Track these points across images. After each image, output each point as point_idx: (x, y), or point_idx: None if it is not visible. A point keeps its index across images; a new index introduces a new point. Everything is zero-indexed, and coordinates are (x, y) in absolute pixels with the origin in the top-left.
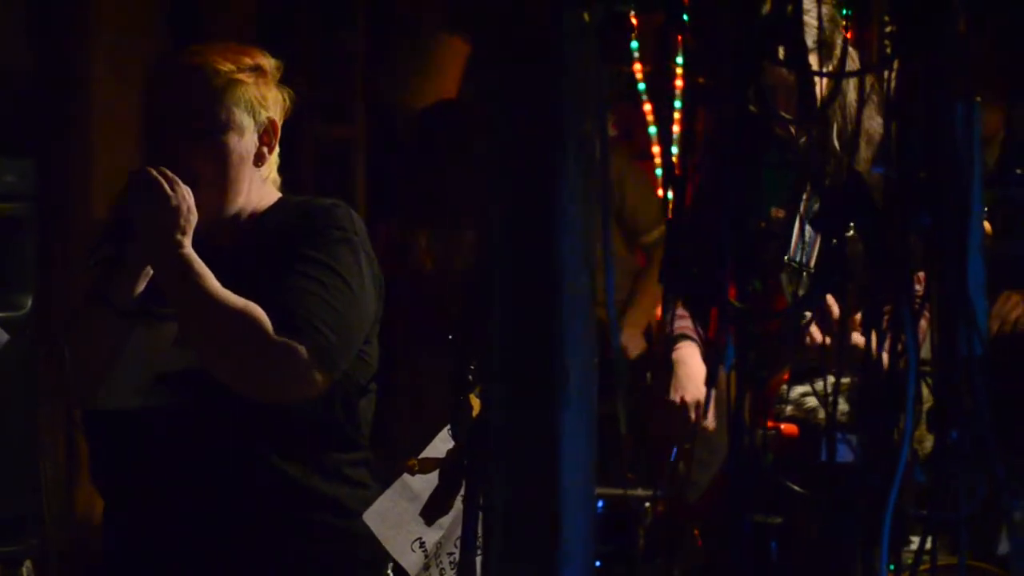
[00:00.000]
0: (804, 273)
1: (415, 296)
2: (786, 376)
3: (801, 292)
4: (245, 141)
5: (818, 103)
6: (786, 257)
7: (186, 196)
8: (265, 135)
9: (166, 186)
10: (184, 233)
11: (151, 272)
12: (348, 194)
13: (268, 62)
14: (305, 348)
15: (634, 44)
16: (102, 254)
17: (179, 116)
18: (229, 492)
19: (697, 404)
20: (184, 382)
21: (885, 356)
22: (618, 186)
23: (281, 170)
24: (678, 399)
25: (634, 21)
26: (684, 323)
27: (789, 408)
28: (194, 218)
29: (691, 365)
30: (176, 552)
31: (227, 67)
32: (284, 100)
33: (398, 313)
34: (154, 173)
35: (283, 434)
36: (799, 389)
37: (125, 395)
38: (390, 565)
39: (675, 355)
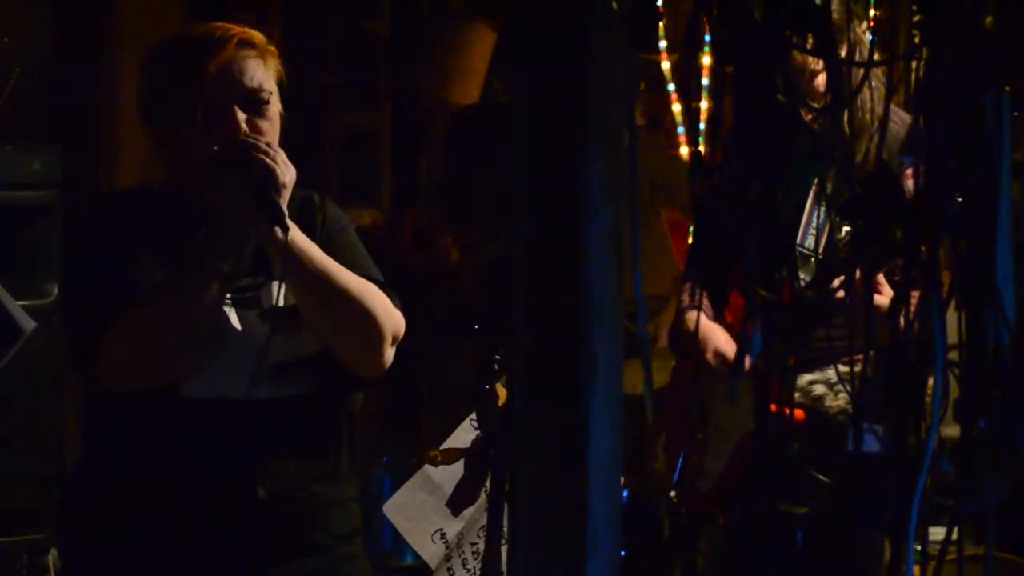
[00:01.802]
0: (812, 259)
1: (440, 286)
2: (792, 363)
3: (807, 279)
4: (278, 113)
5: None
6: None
7: (291, 170)
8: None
9: (281, 155)
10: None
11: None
12: (373, 182)
13: (262, 38)
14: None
15: (662, 43)
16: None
17: (239, 87)
18: (312, 476)
19: (722, 357)
20: (291, 373)
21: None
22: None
23: (305, 157)
24: (711, 354)
25: (661, 9)
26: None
27: (796, 395)
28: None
29: (712, 329)
30: (239, 538)
31: (262, 38)
32: (283, 76)
33: (423, 303)
34: (273, 145)
35: (347, 422)
36: (807, 376)
37: (228, 383)
38: None
39: (700, 331)
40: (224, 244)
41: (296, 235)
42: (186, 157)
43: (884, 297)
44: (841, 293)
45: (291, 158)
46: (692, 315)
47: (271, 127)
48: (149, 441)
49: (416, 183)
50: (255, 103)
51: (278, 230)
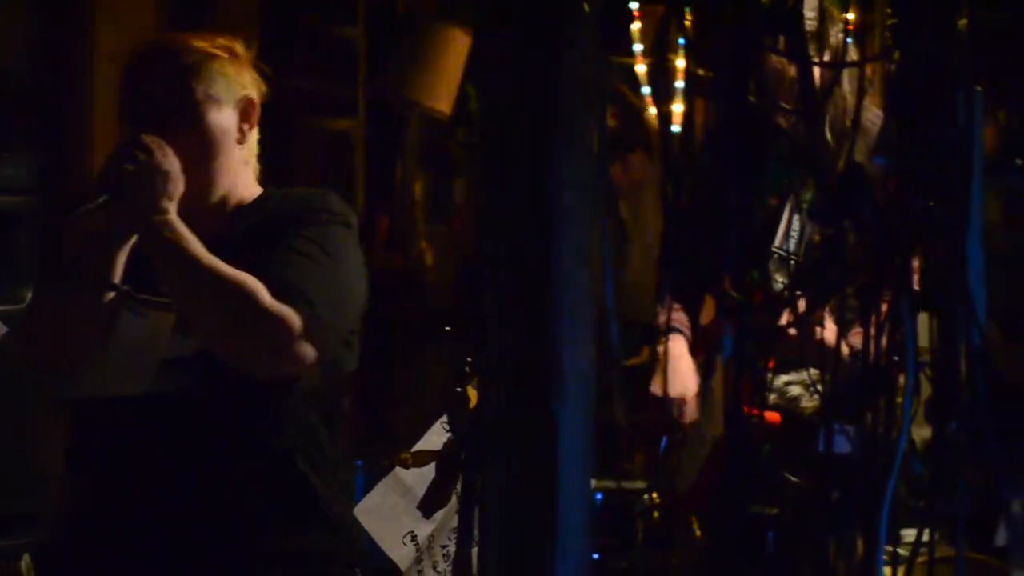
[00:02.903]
0: (792, 262)
1: (414, 288)
2: (770, 364)
3: (786, 282)
4: (225, 115)
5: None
6: (774, 246)
7: (174, 162)
8: (244, 112)
9: (156, 150)
10: (171, 199)
11: (125, 255)
12: (348, 187)
13: (242, 48)
14: (299, 319)
15: (637, 47)
16: (84, 212)
17: (157, 92)
18: (233, 478)
19: (681, 400)
20: (190, 367)
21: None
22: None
23: (279, 162)
24: (661, 393)
25: (635, 12)
26: (677, 315)
27: (772, 396)
28: (181, 186)
29: (679, 361)
30: (175, 538)
31: (200, 45)
32: (261, 83)
33: (397, 305)
34: (143, 137)
35: (285, 420)
36: (783, 377)
37: (125, 381)
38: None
39: (666, 348)
40: (118, 232)
41: (173, 229)
42: None
43: (828, 332)
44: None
45: (268, 163)
46: (674, 341)
47: (189, 132)
48: (76, 442)
49: (391, 188)
50: (170, 108)
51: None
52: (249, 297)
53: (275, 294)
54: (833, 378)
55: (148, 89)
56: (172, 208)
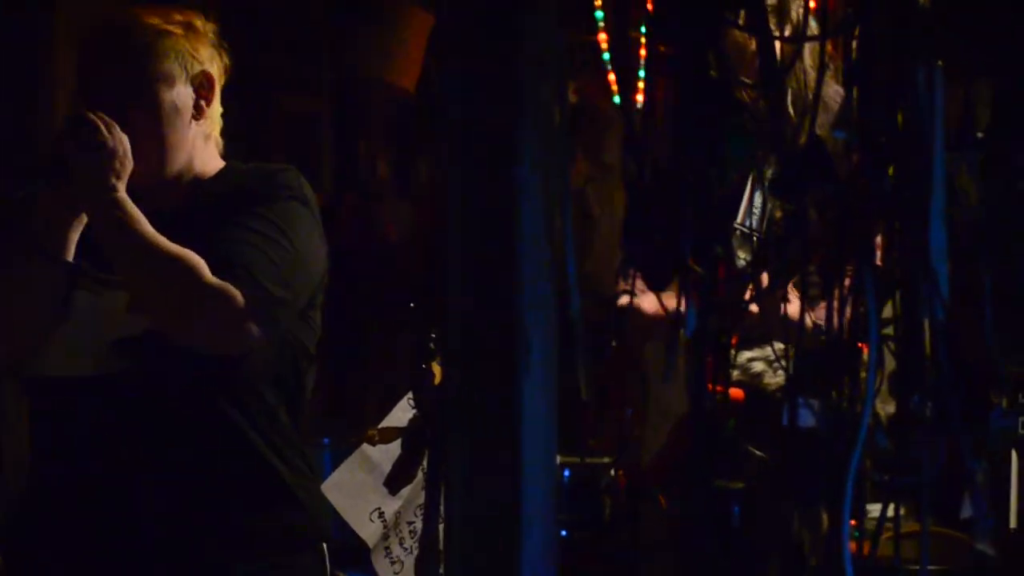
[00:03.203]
0: (754, 238)
1: (379, 266)
2: (734, 341)
3: (748, 258)
4: (178, 92)
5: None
6: (736, 222)
7: (122, 140)
8: (201, 88)
9: (103, 128)
10: (119, 177)
11: (78, 233)
12: (313, 165)
13: (202, 22)
14: (241, 295)
15: (599, 14)
16: (32, 191)
17: (108, 71)
18: (187, 457)
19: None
20: (141, 346)
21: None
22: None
23: (245, 140)
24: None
25: None
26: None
27: (736, 373)
28: (130, 164)
29: (643, 295)
30: (132, 521)
31: (153, 21)
32: (221, 58)
33: (362, 283)
34: (90, 115)
35: (238, 398)
36: (747, 354)
37: (77, 360)
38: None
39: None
40: (68, 207)
41: (121, 207)
42: None
43: (792, 306)
44: (754, 307)
45: (234, 140)
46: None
47: (140, 107)
48: (33, 423)
49: (355, 164)
50: (121, 84)
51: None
52: (190, 272)
53: (217, 271)
54: (797, 352)
55: (100, 67)
56: (121, 186)
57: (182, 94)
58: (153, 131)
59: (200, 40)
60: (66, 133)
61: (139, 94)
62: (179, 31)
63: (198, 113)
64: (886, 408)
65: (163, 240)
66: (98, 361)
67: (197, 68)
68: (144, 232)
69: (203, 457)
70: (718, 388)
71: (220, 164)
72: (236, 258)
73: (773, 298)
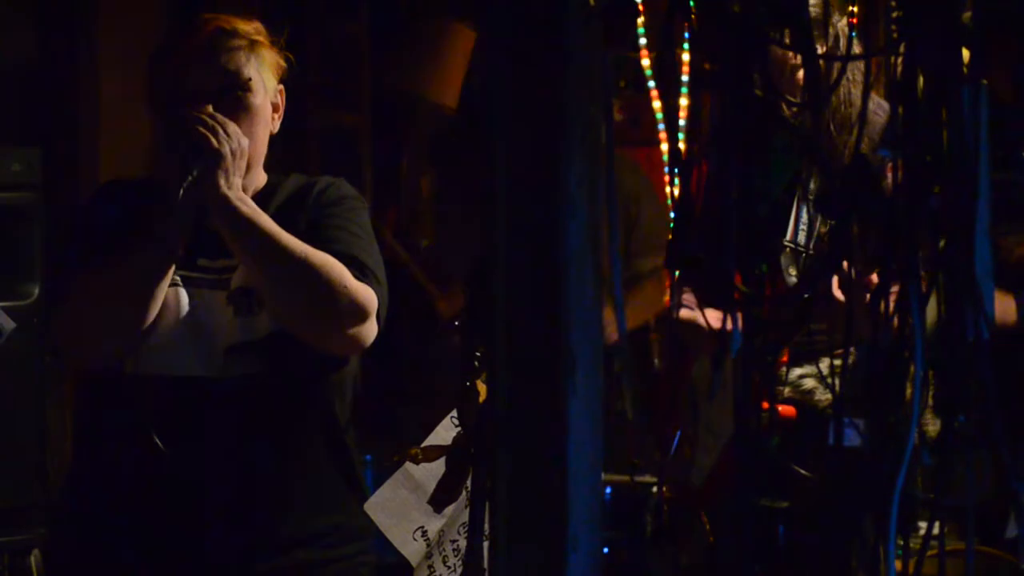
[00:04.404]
0: (804, 255)
1: (422, 283)
2: (784, 358)
3: (798, 275)
4: (266, 104)
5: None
6: (785, 240)
7: (243, 139)
8: (275, 101)
9: (230, 127)
10: (241, 176)
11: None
12: (354, 182)
13: (266, 33)
14: (377, 295)
15: (640, 30)
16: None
17: (210, 77)
18: (301, 457)
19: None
20: (259, 351)
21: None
22: (634, 203)
23: (286, 155)
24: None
25: (640, 6)
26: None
27: (787, 390)
28: (244, 164)
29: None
30: (216, 521)
31: (248, 28)
32: (285, 73)
33: (406, 299)
34: (217, 115)
35: (339, 397)
36: (797, 371)
37: (194, 361)
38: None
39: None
40: (169, 219)
41: (245, 206)
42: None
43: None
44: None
45: (276, 155)
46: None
47: (247, 114)
48: (108, 425)
49: (397, 181)
50: (225, 91)
51: (184, 188)
52: (340, 273)
53: (352, 267)
54: (844, 368)
55: (201, 70)
56: (239, 184)
57: (267, 107)
58: (250, 129)
59: (278, 53)
60: (197, 132)
61: (241, 103)
62: (266, 43)
63: (273, 125)
64: (932, 426)
65: (294, 240)
66: (216, 364)
67: (275, 81)
68: (277, 230)
69: (313, 456)
70: (764, 406)
71: (265, 177)
72: (360, 255)
73: (859, 287)
